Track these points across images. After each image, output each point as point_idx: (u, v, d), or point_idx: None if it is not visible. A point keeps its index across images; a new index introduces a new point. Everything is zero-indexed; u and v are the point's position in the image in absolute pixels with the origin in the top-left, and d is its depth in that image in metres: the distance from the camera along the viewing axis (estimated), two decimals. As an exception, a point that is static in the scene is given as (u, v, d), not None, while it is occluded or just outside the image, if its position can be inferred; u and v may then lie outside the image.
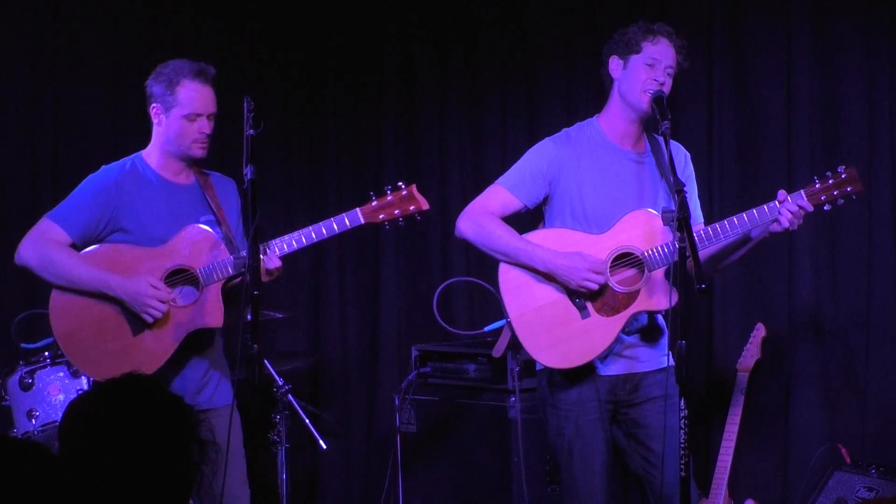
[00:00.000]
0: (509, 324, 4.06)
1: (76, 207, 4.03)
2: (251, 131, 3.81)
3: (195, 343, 4.00)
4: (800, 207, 3.83)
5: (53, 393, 4.89)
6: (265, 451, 5.36)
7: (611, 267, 3.95)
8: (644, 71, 4.00)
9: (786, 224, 3.83)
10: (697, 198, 4.18)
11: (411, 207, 4.02)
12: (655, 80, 3.97)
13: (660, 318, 4.08)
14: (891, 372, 5.07)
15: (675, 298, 3.76)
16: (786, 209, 3.83)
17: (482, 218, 4.08)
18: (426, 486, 5.29)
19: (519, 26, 5.96)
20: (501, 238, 4.04)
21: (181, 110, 3.99)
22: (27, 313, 4.79)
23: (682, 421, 3.65)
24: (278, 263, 3.92)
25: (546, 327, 4.00)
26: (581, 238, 4.00)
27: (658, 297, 3.91)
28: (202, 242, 3.97)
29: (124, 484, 2.17)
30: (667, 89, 3.99)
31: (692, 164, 4.20)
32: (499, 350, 4.21)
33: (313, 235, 3.97)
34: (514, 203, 4.10)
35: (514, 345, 4.10)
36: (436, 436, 5.28)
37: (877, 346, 5.09)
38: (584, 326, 3.97)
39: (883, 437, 5.06)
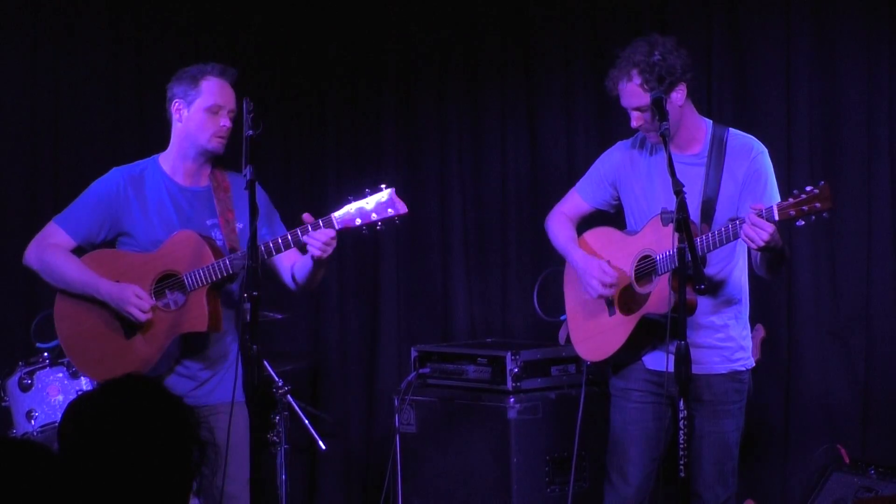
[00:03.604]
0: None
1: (79, 212, 4.09)
2: (250, 132, 3.81)
3: (196, 344, 4.01)
4: (758, 219, 3.63)
5: (53, 394, 4.89)
6: (264, 451, 5.35)
7: (637, 267, 4.01)
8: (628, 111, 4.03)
9: (742, 237, 3.69)
10: (774, 194, 3.97)
11: (389, 211, 3.78)
12: (634, 124, 4.00)
13: (725, 322, 4.03)
14: (890, 372, 5.07)
15: (671, 302, 3.73)
16: (747, 221, 3.67)
17: (552, 219, 4.36)
18: (425, 487, 5.29)
19: (519, 26, 5.96)
20: (556, 237, 4.32)
21: (204, 102, 4.00)
22: (44, 314, 4.78)
23: (682, 422, 3.66)
24: (331, 233, 3.84)
25: (586, 321, 4.20)
26: (619, 238, 4.16)
27: (663, 301, 3.90)
28: (188, 247, 3.96)
29: (124, 484, 2.16)
30: (643, 124, 3.95)
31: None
32: (561, 338, 4.40)
33: (289, 240, 3.90)
34: (582, 206, 4.31)
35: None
36: (435, 436, 5.28)
37: (876, 346, 5.10)
38: (609, 323, 4.10)
39: (882, 438, 5.07)
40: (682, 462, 3.67)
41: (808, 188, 3.62)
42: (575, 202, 4.32)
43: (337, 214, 3.83)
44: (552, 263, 4.84)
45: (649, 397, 4.07)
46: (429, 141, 6.16)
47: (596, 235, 4.26)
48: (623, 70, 3.97)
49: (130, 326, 4.00)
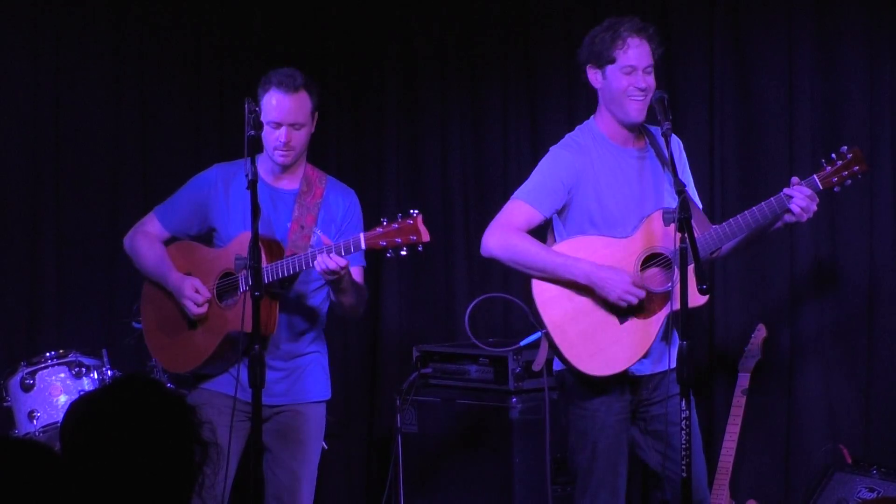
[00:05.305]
0: (546, 335, 4.01)
1: (174, 203, 4.23)
2: (251, 132, 3.83)
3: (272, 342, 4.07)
4: (811, 192, 3.86)
5: (55, 394, 4.88)
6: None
7: (641, 268, 3.95)
8: (623, 79, 3.95)
9: (796, 210, 3.84)
10: (692, 184, 4.16)
11: (412, 237, 3.86)
12: (636, 86, 3.94)
13: None
14: (892, 371, 5.07)
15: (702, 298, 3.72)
16: (799, 193, 3.84)
17: (511, 235, 4.01)
18: (427, 487, 5.29)
19: (520, 26, 5.95)
20: (537, 255, 3.99)
21: (265, 116, 4.03)
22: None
23: (683, 422, 3.66)
24: (342, 262, 3.87)
25: (585, 336, 3.97)
26: (609, 243, 3.98)
27: (691, 295, 3.80)
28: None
29: (126, 485, 2.16)
30: (650, 87, 3.95)
31: (686, 154, 4.20)
32: (539, 363, 4.11)
33: (303, 259, 3.94)
34: (536, 217, 4.04)
35: (553, 356, 4.07)
36: (437, 436, 5.28)
37: (879, 347, 5.10)
38: (623, 331, 3.96)
39: (884, 438, 5.07)
40: (683, 462, 3.67)
41: (836, 156, 3.91)
42: (528, 214, 4.03)
43: (366, 234, 3.89)
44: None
45: (625, 405, 4.03)
46: (430, 141, 6.15)
47: (576, 246, 4.01)
48: (643, 29, 3.97)
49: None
